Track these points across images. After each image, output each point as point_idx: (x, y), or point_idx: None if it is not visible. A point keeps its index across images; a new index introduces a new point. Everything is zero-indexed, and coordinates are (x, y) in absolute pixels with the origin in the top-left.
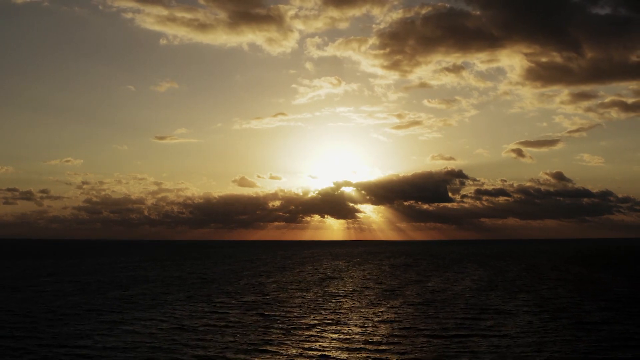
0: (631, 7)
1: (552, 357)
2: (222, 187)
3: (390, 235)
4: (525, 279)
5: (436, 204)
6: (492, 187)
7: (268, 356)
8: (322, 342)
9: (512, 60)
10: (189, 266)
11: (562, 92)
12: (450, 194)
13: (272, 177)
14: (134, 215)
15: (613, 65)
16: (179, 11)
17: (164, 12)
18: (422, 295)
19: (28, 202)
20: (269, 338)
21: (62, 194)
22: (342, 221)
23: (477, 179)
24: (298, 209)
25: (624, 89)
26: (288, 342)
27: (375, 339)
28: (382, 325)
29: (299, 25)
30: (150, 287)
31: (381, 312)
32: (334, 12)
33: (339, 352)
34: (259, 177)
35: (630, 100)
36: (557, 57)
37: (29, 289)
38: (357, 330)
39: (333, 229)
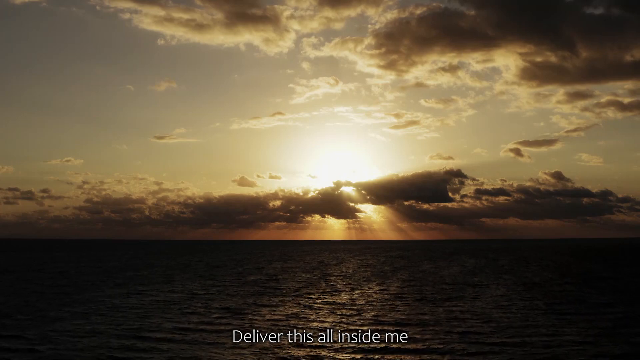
0: (624, 7)
1: (514, 313)
2: (222, 187)
3: (391, 235)
4: (513, 265)
5: (436, 203)
6: (492, 186)
7: (270, 312)
8: (318, 305)
9: (507, 60)
10: (194, 257)
11: (558, 92)
12: (450, 194)
13: (271, 177)
14: (135, 215)
15: (608, 65)
16: (176, 12)
17: (161, 12)
18: (413, 275)
19: (29, 202)
20: (270, 301)
21: (63, 193)
22: (342, 221)
23: (477, 178)
24: (298, 208)
25: (620, 89)
26: (287, 304)
27: (363, 302)
28: (373, 294)
29: (294, 25)
30: (161, 269)
31: (373, 285)
32: (329, 13)
33: (332, 313)
34: (258, 176)
35: (626, 100)
36: (551, 57)
37: (51, 271)
38: (349, 297)
39: (334, 228)
